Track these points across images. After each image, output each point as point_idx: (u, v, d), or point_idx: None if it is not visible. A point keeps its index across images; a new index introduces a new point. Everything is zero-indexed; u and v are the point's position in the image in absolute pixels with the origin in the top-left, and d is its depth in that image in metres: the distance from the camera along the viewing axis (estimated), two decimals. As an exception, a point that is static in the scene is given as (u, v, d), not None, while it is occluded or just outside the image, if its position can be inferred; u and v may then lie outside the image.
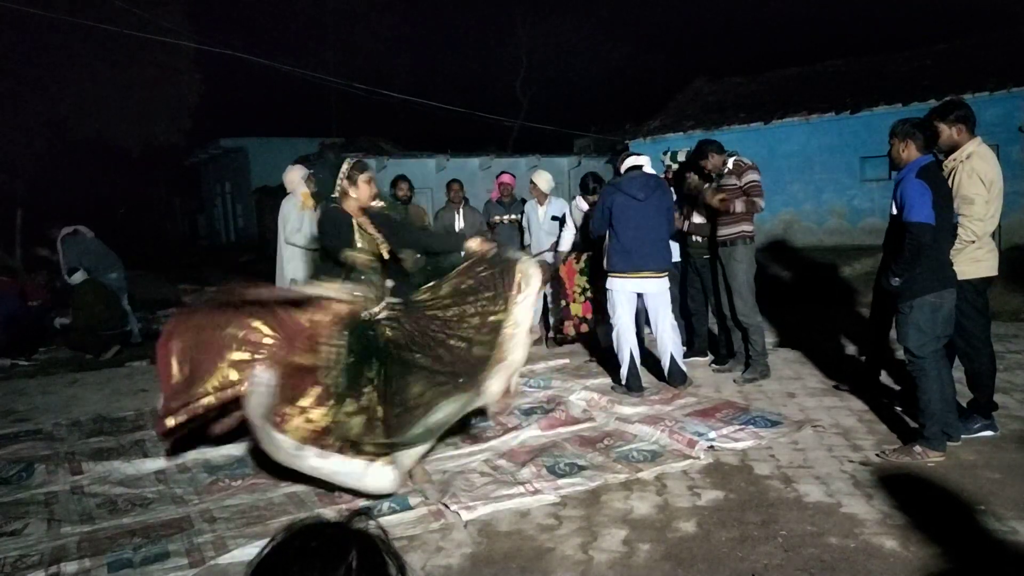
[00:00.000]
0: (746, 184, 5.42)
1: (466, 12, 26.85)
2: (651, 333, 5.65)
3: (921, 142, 3.85)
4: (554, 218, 7.08)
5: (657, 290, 5.41)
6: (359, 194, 3.91)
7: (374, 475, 3.52)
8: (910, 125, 3.90)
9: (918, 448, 3.81)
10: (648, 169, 5.50)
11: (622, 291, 5.38)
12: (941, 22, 19.93)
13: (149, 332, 8.99)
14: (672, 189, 6.05)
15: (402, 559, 1.04)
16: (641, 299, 5.49)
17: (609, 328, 5.56)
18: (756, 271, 5.62)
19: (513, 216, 7.49)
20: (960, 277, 3.94)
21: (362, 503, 3.68)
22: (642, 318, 5.68)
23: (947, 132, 4.07)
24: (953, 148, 4.08)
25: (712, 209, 5.58)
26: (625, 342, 5.39)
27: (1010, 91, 11.49)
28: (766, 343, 6.26)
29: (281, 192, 6.82)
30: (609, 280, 5.45)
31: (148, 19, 12.12)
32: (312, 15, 26.95)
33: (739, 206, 5.40)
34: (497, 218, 7.48)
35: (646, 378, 5.56)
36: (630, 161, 5.46)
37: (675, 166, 6.36)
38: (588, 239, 6.12)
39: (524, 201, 7.50)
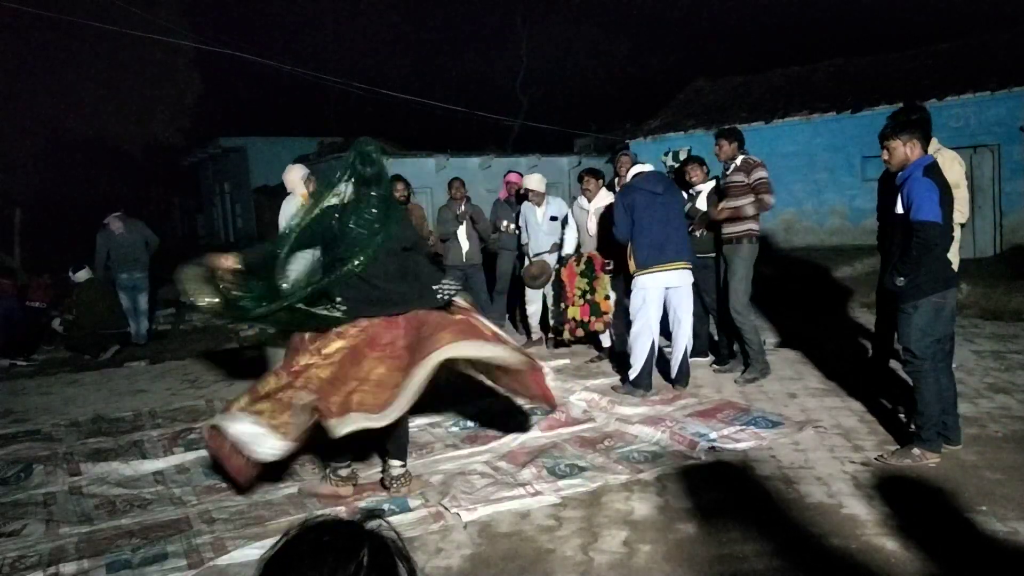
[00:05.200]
0: (755, 181, 5.42)
1: (466, 12, 26.83)
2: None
3: (925, 141, 3.85)
4: (553, 218, 7.06)
5: (684, 282, 5.41)
6: None
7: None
8: (910, 124, 3.89)
9: (916, 450, 3.79)
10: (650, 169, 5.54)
11: (654, 287, 5.31)
12: (942, 22, 19.92)
13: (151, 332, 8.99)
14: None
15: (412, 561, 1.04)
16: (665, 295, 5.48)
17: (625, 326, 5.55)
18: (755, 272, 5.61)
19: (515, 227, 7.46)
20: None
21: (363, 504, 3.67)
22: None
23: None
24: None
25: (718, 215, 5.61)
26: (647, 340, 5.35)
27: (1011, 91, 11.49)
28: (767, 343, 6.25)
29: (280, 192, 6.81)
30: (639, 279, 5.36)
31: (147, 19, 12.10)
32: (312, 15, 26.93)
33: (750, 210, 5.41)
34: (504, 223, 7.46)
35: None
36: (636, 168, 5.55)
37: (676, 165, 6.36)
38: (609, 244, 6.06)
39: (523, 199, 7.45)
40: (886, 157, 3.94)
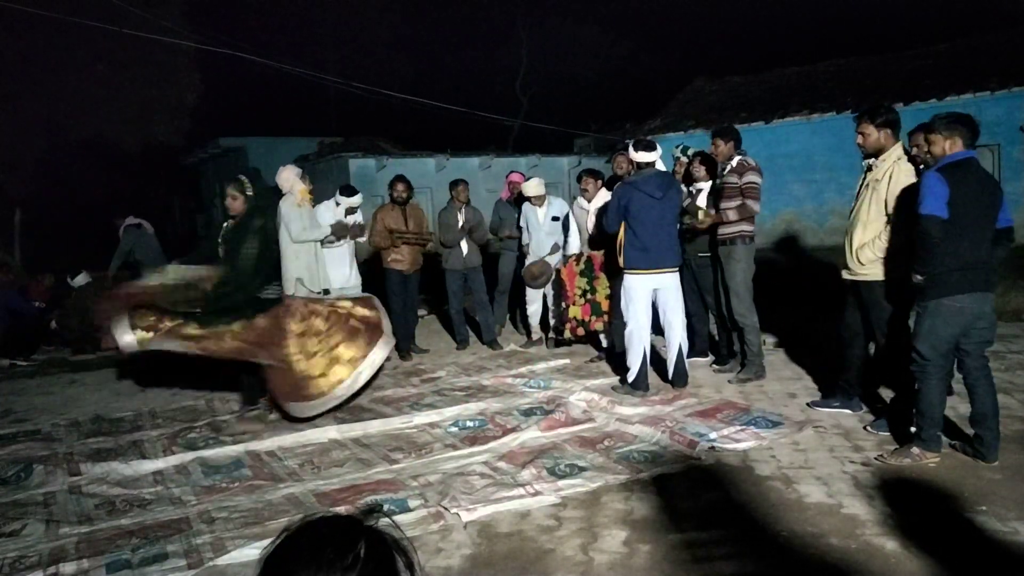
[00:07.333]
0: (744, 184, 5.41)
1: (466, 12, 26.83)
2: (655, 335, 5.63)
3: (967, 136, 3.69)
4: (555, 219, 7.06)
5: (671, 284, 5.44)
6: None
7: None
8: (952, 120, 3.72)
9: (916, 450, 3.79)
10: (660, 165, 5.47)
11: (640, 288, 5.37)
12: (942, 22, 19.92)
13: None
14: (682, 183, 6.11)
15: (410, 554, 1.06)
16: (653, 296, 5.48)
17: (623, 326, 5.56)
18: (756, 272, 5.61)
19: (514, 234, 7.46)
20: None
21: (361, 502, 3.67)
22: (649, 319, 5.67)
23: (875, 136, 4.25)
24: (879, 151, 4.27)
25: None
26: (639, 340, 5.36)
27: (1011, 91, 11.50)
28: (767, 343, 6.24)
29: (280, 191, 6.79)
30: (627, 278, 5.43)
31: (147, 19, 12.09)
32: (312, 15, 26.93)
33: (731, 215, 5.40)
34: (505, 232, 7.48)
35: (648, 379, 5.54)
36: (643, 156, 5.35)
37: (686, 159, 6.36)
38: (598, 237, 6.14)
39: (525, 200, 7.45)
40: (860, 141, 4.29)
